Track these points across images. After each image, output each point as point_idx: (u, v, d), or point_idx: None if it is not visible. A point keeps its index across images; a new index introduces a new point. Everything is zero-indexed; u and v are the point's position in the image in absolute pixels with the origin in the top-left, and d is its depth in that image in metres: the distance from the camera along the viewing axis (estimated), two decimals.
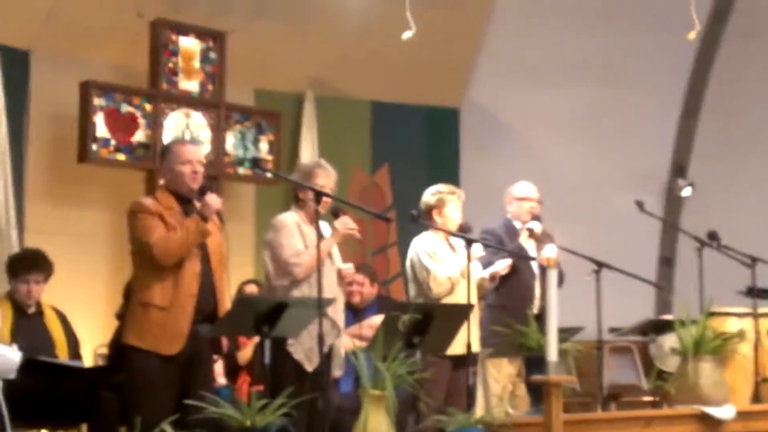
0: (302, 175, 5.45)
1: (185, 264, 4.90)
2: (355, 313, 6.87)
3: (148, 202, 5.02)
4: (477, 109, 9.60)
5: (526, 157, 9.60)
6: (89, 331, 7.04)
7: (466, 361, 5.25)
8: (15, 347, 4.47)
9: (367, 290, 7.28)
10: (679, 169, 10.26)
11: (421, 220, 5.57)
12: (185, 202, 5.05)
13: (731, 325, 6.52)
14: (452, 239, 5.95)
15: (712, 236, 6.79)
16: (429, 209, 5.98)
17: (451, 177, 9.35)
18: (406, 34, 6.91)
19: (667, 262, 10.33)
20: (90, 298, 7.46)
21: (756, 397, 6.31)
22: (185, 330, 4.87)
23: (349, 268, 5.41)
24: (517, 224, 6.46)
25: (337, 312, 5.33)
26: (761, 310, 6.45)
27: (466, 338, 5.19)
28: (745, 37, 9.97)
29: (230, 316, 4.78)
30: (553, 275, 4.09)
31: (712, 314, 6.78)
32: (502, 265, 6.01)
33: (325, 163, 5.48)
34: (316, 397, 4.72)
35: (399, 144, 9.30)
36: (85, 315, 7.08)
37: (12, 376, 4.45)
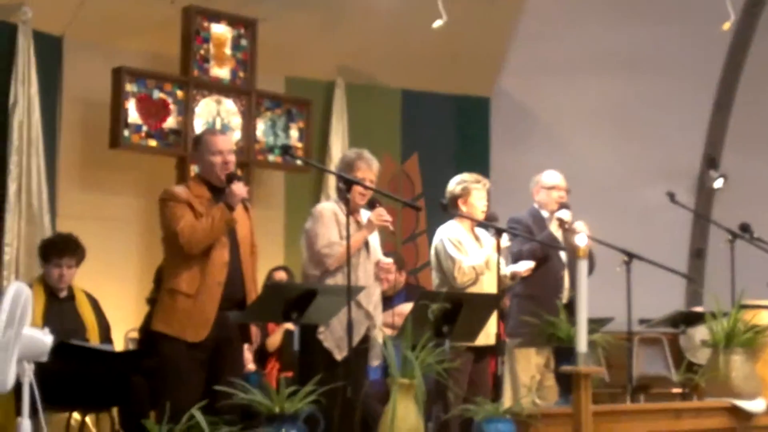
0: (344, 165, 5.46)
1: (213, 252, 4.94)
2: (383, 301, 6.87)
3: (178, 189, 5.07)
4: (508, 98, 9.57)
5: (557, 148, 9.56)
6: (120, 315, 7.09)
7: (489, 351, 5.24)
8: (46, 330, 4.50)
9: (395, 277, 7.29)
10: (710, 161, 10.18)
11: (450, 209, 5.55)
12: (217, 191, 5.08)
13: (763, 318, 6.47)
14: (477, 229, 5.91)
15: (745, 228, 6.76)
16: (454, 198, 5.97)
17: (481, 166, 9.32)
18: (437, 23, 6.90)
19: (698, 254, 10.26)
20: (121, 283, 7.50)
21: None
22: (211, 317, 4.91)
23: (389, 262, 5.41)
24: (545, 213, 6.42)
25: (371, 302, 5.34)
26: None
27: (489, 329, 5.18)
28: None
29: (259, 303, 4.81)
30: (583, 265, 4.06)
31: (744, 307, 6.76)
32: (524, 267, 5.98)
33: (368, 155, 5.46)
34: (345, 386, 4.73)
35: (429, 133, 9.27)
36: (116, 299, 7.13)
37: (43, 359, 4.48)
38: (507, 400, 5.78)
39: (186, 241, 4.88)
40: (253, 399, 3.50)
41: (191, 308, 4.90)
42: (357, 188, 5.17)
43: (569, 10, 9.37)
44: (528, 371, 5.98)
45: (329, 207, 5.36)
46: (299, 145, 8.28)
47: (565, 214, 6.27)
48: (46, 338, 4.55)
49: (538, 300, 5.83)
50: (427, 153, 9.21)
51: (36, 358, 4.46)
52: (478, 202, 5.92)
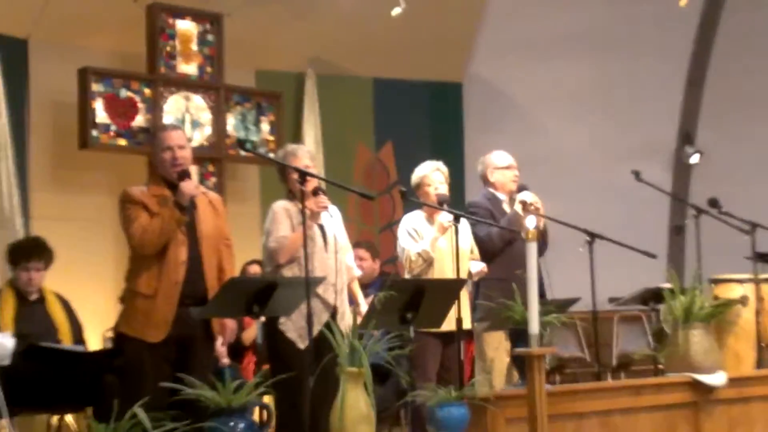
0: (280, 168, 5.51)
1: (169, 252, 4.94)
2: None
3: (134, 191, 5.07)
4: (480, 83, 9.57)
5: (531, 130, 9.57)
6: (97, 314, 7.11)
7: (456, 336, 5.26)
8: (7, 334, 4.53)
9: (369, 265, 7.33)
10: (686, 137, 10.19)
11: (410, 197, 5.57)
12: (176, 187, 5.07)
13: (734, 292, 6.50)
14: (441, 215, 5.91)
15: (713, 203, 6.75)
16: (416, 189, 6.00)
17: (456, 151, 9.37)
18: (396, 11, 6.88)
19: (677, 230, 10.27)
20: (96, 282, 7.52)
21: (759, 363, 6.30)
22: (169, 318, 4.91)
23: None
24: (501, 195, 6.40)
25: (328, 291, 5.34)
26: (764, 275, 6.42)
27: (455, 314, 5.19)
28: (748, 2, 9.87)
29: (220, 298, 4.80)
30: (532, 248, 4.09)
31: (715, 281, 6.79)
32: (477, 268, 5.97)
33: (291, 147, 5.58)
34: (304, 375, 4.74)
35: (402, 120, 9.28)
36: (92, 299, 7.17)
37: (6, 362, 4.51)
38: (479, 384, 5.80)
39: (138, 242, 4.91)
40: (200, 394, 3.51)
41: (150, 309, 4.91)
42: (294, 176, 5.19)
43: None
44: (497, 354, 5.97)
45: (280, 204, 5.43)
46: (271, 138, 8.29)
47: (529, 196, 6.26)
48: (6, 341, 4.59)
49: (504, 283, 5.82)
50: (401, 141, 9.22)
51: None
52: (429, 189, 5.95)
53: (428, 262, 5.77)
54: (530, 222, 4.17)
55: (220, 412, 3.48)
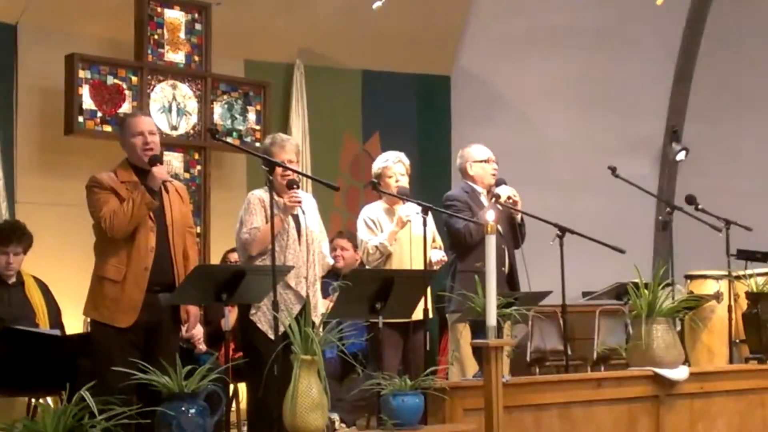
0: (262, 152, 5.54)
1: (138, 238, 5.00)
2: (339, 278, 6.94)
3: (103, 176, 5.13)
4: (468, 76, 9.59)
5: (519, 124, 9.60)
6: (80, 299, 7.11)
7: (422, 325, 5.32)
8: None
9: (350, 255, 7.40)
10: (673, 134, 10.21)
11: (379, 188, 5.62)
12: (144, 174, 5.12)
13: (708, 288, 6.58)
14: (406, 207, 5.93)
15: (690, 200, 6.82)
16: (378, 179, 6.03)
17: (443, 144, 9.42)
18: (376, 4, 6.89)
19: (664, 226, 10.28)
20: (80, 267, 7.47)
21: (732, 359, 6.38)
22: (139, 303, 4.96)
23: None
24: (479, 188, 6.43)
25: (301, 283, 5.39)
26: (738, 272, 6.48)
27: (422, 305, 5.24)
28: None
29: (188, 285, 4.87)
30: (491, 240, 4.14)
31: (690, 277, 6.85)
32: (438, 256, 6.00)
33: (280, 138, 5.59)
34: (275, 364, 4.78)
35: (390, 112, 9.30)
36: (75, 283, 7.14)
37: None
38: (454, 374, 5.87)
39: (108, 226, 4.96)
40: (151, 379, 3.56)
41: (118, 294, 4.97)
42: (278, 170, 5.25)
43: None
44: (459, 344, 6.02)
45: (257, 194, 5.48)
46: (257, 127, 8.34)
47: (506, 190, 6.29)
48: None
49: (481, 275, 5.85)
50: (388, 132, 9.24)
51: None
52: (389, 180, 5.99)
53: (385, 255, 5.84)
54: (489, 215, 4.22)
55: (173, 397, 3.53)
